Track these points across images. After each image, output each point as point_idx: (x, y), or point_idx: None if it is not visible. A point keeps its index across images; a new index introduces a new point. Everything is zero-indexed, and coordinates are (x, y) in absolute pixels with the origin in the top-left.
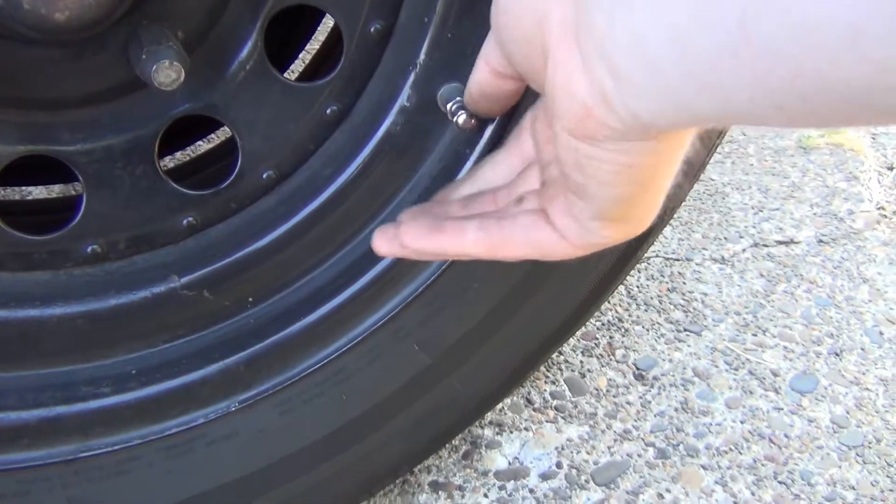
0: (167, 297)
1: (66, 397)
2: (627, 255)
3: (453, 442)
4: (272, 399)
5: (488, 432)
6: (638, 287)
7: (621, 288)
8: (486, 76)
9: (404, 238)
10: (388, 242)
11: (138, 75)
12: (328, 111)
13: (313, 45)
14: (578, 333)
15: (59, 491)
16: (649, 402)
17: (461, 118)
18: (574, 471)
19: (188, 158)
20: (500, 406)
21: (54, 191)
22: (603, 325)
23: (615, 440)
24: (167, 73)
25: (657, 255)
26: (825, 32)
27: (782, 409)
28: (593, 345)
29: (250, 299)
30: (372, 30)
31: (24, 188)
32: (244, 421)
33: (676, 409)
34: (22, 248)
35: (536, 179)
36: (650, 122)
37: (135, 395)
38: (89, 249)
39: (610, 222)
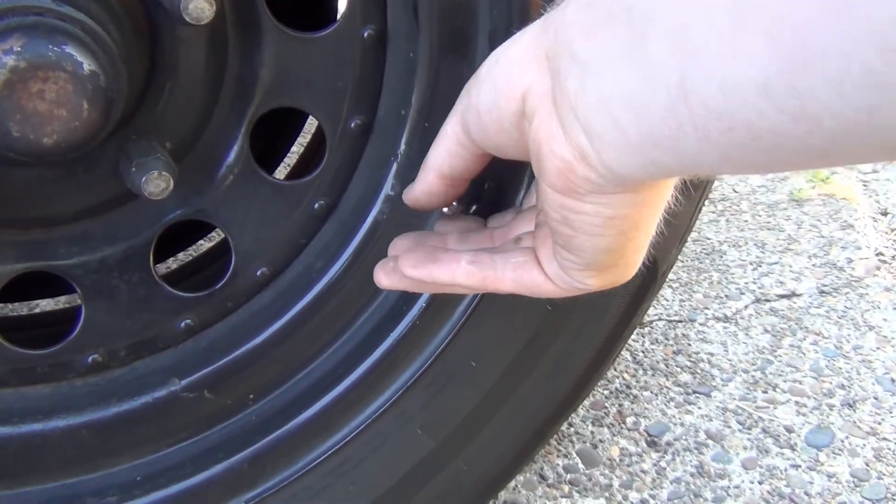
0: (169, 400)
1: None
2: (625, 320)
3: None
4: (278, 495)
5: None
6: (643, 352)
7: (627, 354)
8: (458, 161)
9: (404, 268)
10: (389, 275)
11: (129, 187)
12: (316, 206)
13: (302, 140)
14: (587, 403)
15: None
16: (664, 468)
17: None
18: None
19: (181, 263)
20: (513, 484)
21: (54, 303)
22: (611, 392)
23: None
24: (156, 184)
25: (660, 318)
26: (745, 90)
27: (800, 466)
28: (603, 414)
29: (251, 396)
30: (353, 125)
31: (22, 302)
32: None
33: (692, 475)
34: (24, 364)
35: (532, 222)
36: (626, 175)
37: (141, 501)
38: (90, 360)
39: (595, 271)
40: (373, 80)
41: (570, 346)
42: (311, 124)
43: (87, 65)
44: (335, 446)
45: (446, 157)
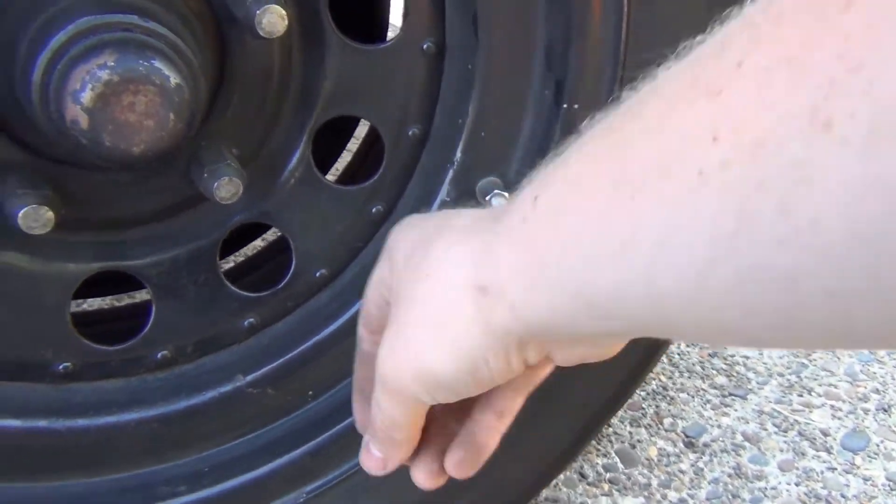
0: (234, 395)
1: (146, 498)
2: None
3: None
4: (338, 488)
5: None
6: (679, 354)
7: (663, 356)
8: None
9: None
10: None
11: (201, 191)
12: (374, 210)
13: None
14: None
15: None
16: (702, 469)
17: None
18: None
19: (241, 261)
20: (553, 482)
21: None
22: (648, 394)
23: None
24: (227, 189)
25: None
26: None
27: (836, 468)
28: (640, 415)
29: (311, 392)
30: (410, 133)
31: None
32: None
33: (730, 475)
34: (98, 358)
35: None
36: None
37: (209, 491)
38: (160, 355)
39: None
40: (431, 91)
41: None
42: (360, 130)
43: (174, 78)
44: None
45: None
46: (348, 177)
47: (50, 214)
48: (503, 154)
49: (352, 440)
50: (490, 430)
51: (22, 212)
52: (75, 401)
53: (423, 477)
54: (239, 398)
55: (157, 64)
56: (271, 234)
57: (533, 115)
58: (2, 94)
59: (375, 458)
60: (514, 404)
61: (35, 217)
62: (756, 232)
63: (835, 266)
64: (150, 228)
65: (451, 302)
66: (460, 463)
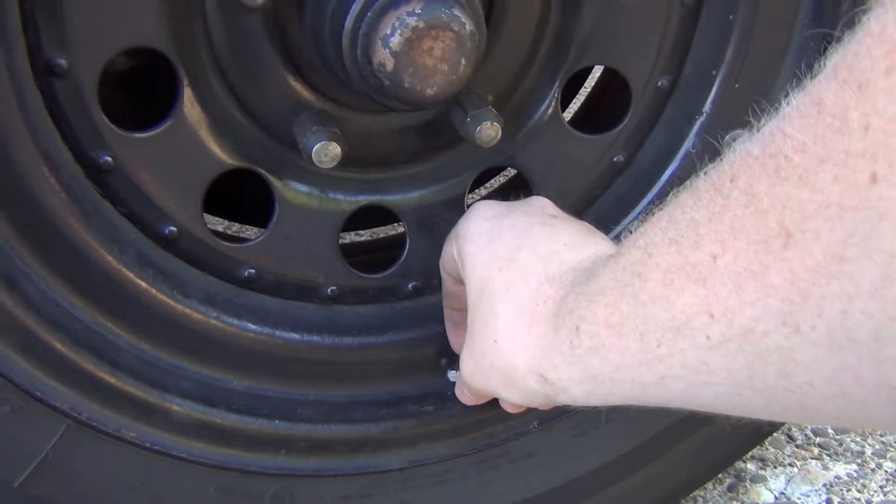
0: None
1: (399, 413)
2: None
3: (718, 476)
4: (567, 421)
5: (751, 466)
6: None
7: None
8: None
9: None
10: None
11: (462, 135)
12: (615, 159)
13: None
14: None
15: (393, 495)
16: None
17: None
18: None
19: None
20: (761, 442)
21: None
22: None
23: (887, 480)
24: (488, 133)
25: None
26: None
27: None
28: None
29: None
30: (660, 83)
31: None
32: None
33: None
34: (359, 284)
35: None
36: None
37: (452, 412)
38: (411, 286)
39: None
40: (684, 41)
41: None
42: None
43: (469, 25)
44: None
45: None
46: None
47: (338, 150)
48: (756, 107)
49: None
50: None
51: (316, 147)
52: (339, 321)
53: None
54: None
55: (456, 12)
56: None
57: (791, 67)
58: (304, 43)
59: (467, 398)
60: None
61: (325, 152)
62: (766, 384)
63: (834, 406)
64: (409, 168)
65: (519, 372)
66: None
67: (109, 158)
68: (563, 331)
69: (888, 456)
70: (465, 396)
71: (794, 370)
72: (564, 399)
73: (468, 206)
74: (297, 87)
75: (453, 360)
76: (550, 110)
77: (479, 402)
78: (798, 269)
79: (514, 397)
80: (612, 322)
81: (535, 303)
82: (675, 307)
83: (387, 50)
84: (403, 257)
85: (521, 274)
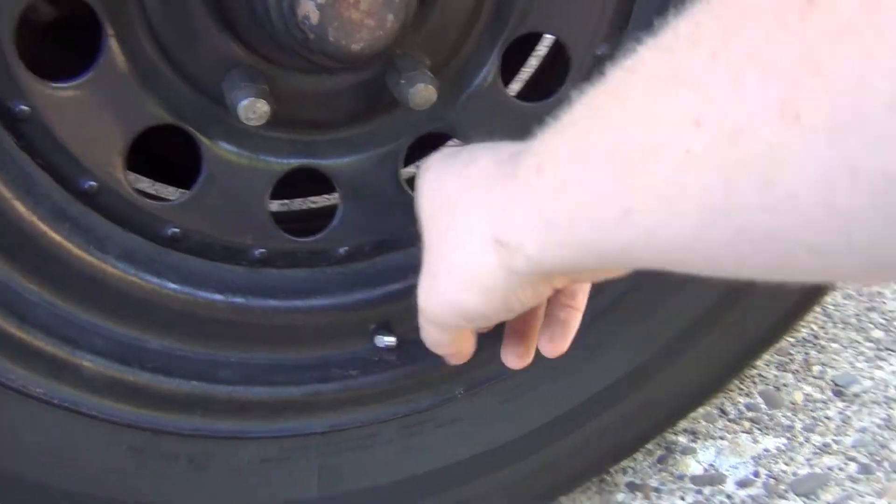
0: (404, 293)
1: (323, 377)
2: None
3: (647, 446)
4: (494, 388)
5: (682, 439)
6: (834, 305)
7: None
8: None
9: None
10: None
11: (396, 98)
12: None
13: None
14: (771, 349)
15: (314, 459)
16: (849, 417)
17: None
18: (772, 480)
19: None
20: (692, 415)
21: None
22: (798, 341)
23: (814, 453)
24: (422, 96)
25: None
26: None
27: None
28: (788, 360)
29: None
30: (599, 52)
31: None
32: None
33: (879, 427)
34: (288, 248)
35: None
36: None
37: (377, 377)
38: (342, 251)
39: None
40: (623, 11)
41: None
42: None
43: None
44: None
45: None
46: (525, 93)
47: (266, 107)
48: None
49: None
50: (569, 310)
51: (243, 103)
52: (267, 284)
53: (511, 359)
54: (409, 295)
55: None
56: None
57: None
58: None
59: (430, 336)
60: (580, 286)
61: (253, 109)
62: (742, 201)
63: (813, 228)
64: (343, 131)
65: (474, 253)
66: (551, 340)
67: (26, 107)
68: (521, 174)
69: (817, 430)
70: (428, 335)
71: (778, 176)
72: (520, 263)
73: (403, 177)
74: (227, 42)
75: (381, 326)
76: (490, 77)
77: (443, 347)
78: (814, 37)
79: (472, 302)
80: (580, 151)
81: (494, 175)
82: (656, 122)
83: (311, 2)
84: (336, 222)
85: (473, 177)
